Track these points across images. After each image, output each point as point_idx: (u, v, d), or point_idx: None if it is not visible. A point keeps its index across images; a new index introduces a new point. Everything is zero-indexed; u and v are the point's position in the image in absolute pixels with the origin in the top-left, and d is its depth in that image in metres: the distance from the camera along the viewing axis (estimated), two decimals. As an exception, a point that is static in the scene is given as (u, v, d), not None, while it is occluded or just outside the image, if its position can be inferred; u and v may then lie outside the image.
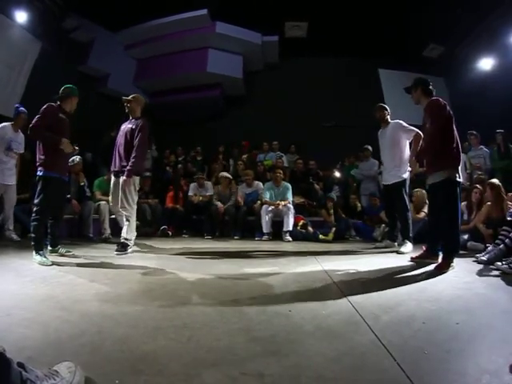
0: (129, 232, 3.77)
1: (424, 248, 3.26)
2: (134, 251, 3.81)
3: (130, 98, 3.95)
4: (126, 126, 3.88)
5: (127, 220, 3.80)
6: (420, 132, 3.71)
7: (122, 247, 3.66)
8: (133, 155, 3.67)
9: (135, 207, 3.87)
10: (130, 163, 3.65)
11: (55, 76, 5.31)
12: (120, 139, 3.87)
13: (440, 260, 2.88)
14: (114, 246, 3.73)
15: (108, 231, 5.02)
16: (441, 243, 3.03)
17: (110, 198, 4.00)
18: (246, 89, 8.96)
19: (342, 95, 8.41)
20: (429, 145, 3.02)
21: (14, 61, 6.33)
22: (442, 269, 2.75)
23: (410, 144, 3.98)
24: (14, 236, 4.46)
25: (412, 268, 2.94)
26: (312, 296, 2.02)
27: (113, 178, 3.91)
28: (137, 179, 3.84)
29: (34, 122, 3.14)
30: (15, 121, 4.55)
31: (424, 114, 3.11)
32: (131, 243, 3.79)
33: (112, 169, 3.93)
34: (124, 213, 3.78)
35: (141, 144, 3.73)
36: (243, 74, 8.53)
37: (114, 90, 8.34)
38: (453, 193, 2.87)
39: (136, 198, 3.88)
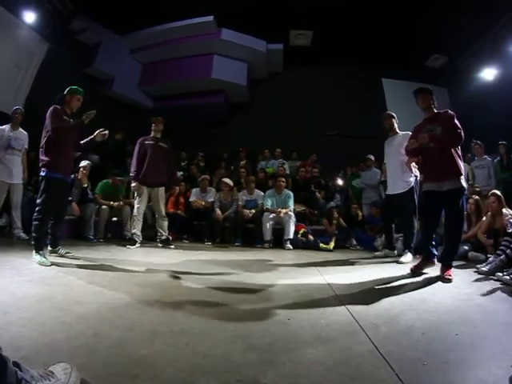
0: (166, 230, 4.76)
1: (420, 257, 3.32)
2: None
3: (160, 118, 4.86)
4: (158, 144, 4.73)
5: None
6: None
7: (169, 241, 4.71)
8: (171, 172, 4.95)
9: None
10: (170, 179, 4.92)
11: (61, 77, 5.35)
12: (154, 155, 4.62)
13: (443, 271, 2.85)
14: (114, 248, 3.79)
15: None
16: (445, 252, 2.98)
17: (140, 203, 4.61)
18: (249, 96, 9.01)
19: (344, 104, 8.45)
20: (447, 146, 2.94)
21: (21, 60, 6.40)
22: (449, 277, 2.77)
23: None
24: (23, 234, 4.49)
25: (412, 278, 2.92)
26: (311, 305, 2.01)
27: (146, 189, 4.61)
28: None
29: (50, 126, 3.15)
30: (13, 119, 4.70)
31: (429, 123, 3.10)
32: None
33: (148, 181, 4.60)
34: (164, 216, 4.73)
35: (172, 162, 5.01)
36: (247, 81, 8.59)
37: (119, 93, 8.41)
38: (463, 202, 2.94)
39: None
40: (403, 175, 4.00)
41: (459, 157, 2.96)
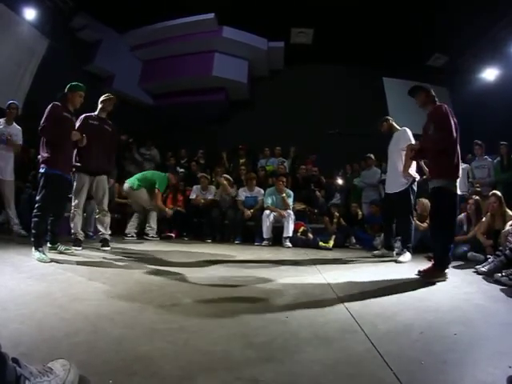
0: (108, 228, 4.09)
1: (432, 261, 2.95)
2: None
3: (113, 96, 4.13)
4: (102, 127, 3.94)
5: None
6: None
7: (108, 242, 3.96)
8: (112, 158, 4.17)
9: None
10: (111, 165, 4.15)
11: (61, 74, 5.34)
12: (96, 138, 3.78)
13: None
14: (114, 245, 3.87)
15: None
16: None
17: (76, 196, 3.84)
18: (250, 94, 9.00)
19: (345, 103, 8.43)
20: (431, 150, 2.97)
21: (21, 57, 6.39)
22: (427, 274, 2.78)
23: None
24: (22, 231, 4.48)
25: (411, 277, 2.92)
26: (310, 303, 2.01)
27: (85, 177, 3.82)
28: None
29: (42, 123, 3.17)
30: (7, 114, 4.66)
31: (427, 120, 3.02)
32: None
33: (88, 167, 3.82)
34: (107, 211, 4.06)
35: (116, 148, 4.26)
36: (248, 78, 8.57)
37: (120, 90, 8.38)
38: (446, 203, 2.79)
39: None
40: (399, 174, 3.97)
41: (449, 156, 2.79)
